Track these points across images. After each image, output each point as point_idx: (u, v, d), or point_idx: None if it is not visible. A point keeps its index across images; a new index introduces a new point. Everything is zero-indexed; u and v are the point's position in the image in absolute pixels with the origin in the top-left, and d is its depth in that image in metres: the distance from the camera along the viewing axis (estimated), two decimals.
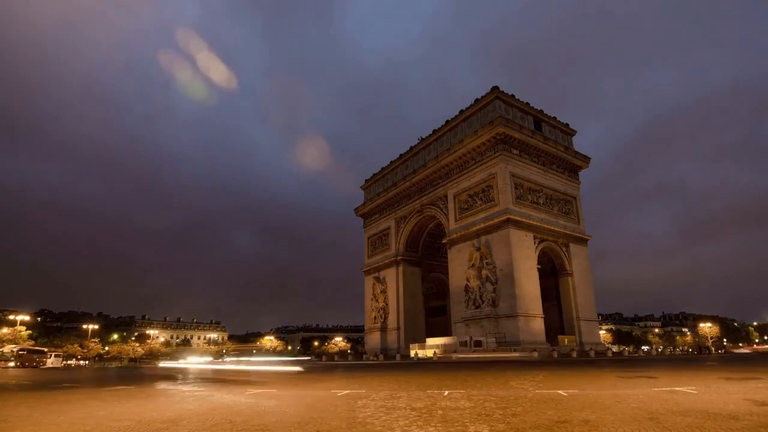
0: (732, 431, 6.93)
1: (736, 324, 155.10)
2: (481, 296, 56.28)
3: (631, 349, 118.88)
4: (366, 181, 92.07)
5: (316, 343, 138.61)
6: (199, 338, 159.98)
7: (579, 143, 71.40)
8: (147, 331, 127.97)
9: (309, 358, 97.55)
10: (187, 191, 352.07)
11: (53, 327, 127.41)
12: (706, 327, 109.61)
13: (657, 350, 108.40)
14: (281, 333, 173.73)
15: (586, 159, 67.67)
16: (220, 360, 75.01)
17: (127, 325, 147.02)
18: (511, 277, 53.33)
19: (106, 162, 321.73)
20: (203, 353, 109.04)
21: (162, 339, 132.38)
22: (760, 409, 9.04)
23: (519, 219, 55.90)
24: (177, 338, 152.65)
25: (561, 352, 49.51)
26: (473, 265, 58.00)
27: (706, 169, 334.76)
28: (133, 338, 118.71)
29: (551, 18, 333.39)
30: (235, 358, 74.46)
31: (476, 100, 63.87)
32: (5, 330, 75.91)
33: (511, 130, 58.61)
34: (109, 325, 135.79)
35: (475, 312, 56.30)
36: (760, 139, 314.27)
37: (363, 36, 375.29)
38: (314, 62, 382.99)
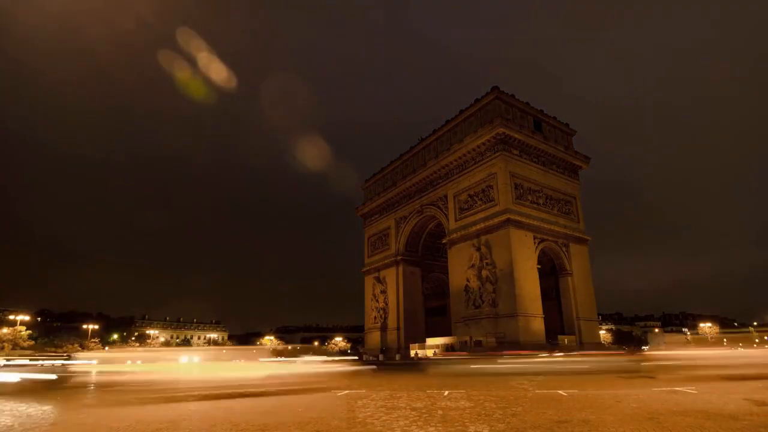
0: (732, 431, 6.93)
1: (736, 324, 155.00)
2: (481, 296, 56.24)
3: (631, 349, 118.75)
4: (366, 180, 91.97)
5: (316, 343, 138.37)
6: (199, 338, 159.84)
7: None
8: (147, 331, 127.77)
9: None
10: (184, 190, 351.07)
11: (53, 327, 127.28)
12: (706, 327, 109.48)
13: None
14: (281, 333, 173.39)
15: (587, 159, 67.64)
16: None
17: (127, 325, 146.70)
18: (511, 277, 53.28)
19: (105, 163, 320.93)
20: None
21: (162, 339, 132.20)
22: (760, 409, 9.04)
23: (519, 219, 55.83)
24: (177, 338, 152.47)
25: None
26: (473, 265, 57.94)
27: None
28: (133, 338, 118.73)
29: None
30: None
31: (476, 100, 63.74)
32: (5, 330, 75.80)
33: (511, 130, 58.56)
34: (109, 325, 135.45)
35: (475, 312, 56.26)
36: None
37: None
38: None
